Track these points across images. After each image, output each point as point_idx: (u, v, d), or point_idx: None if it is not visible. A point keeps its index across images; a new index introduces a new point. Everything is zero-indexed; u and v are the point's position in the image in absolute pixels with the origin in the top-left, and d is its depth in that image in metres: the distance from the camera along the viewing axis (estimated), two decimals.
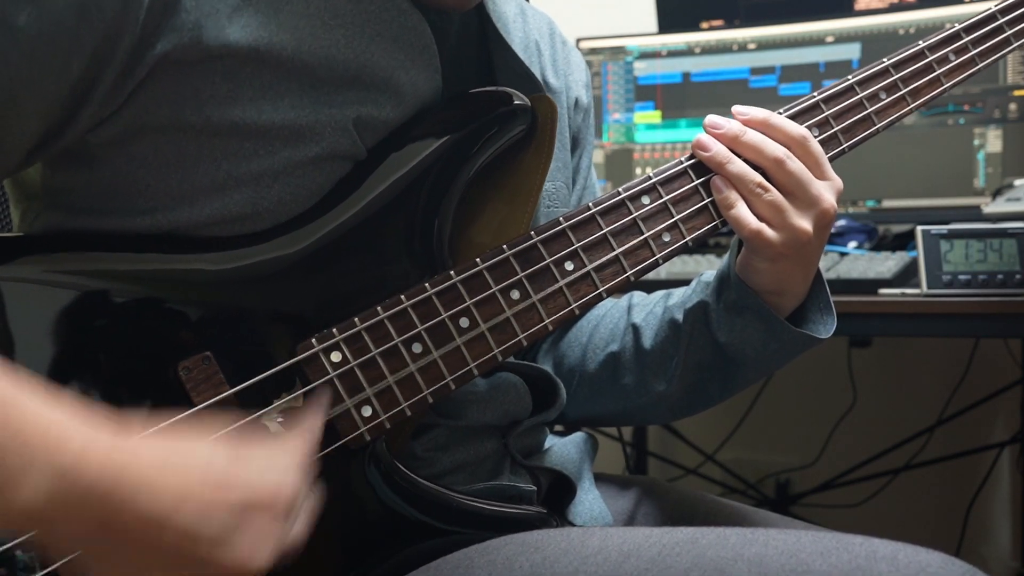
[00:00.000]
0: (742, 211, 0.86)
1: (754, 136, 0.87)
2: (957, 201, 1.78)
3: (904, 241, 1.76)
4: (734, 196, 0.86)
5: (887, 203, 1.85)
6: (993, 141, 1.75)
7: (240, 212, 0.77)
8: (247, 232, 0.77)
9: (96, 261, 0.75)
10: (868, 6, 1.92)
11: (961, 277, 1.37)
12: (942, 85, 0.95)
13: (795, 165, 0.86)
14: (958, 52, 0.96)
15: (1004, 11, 0.99)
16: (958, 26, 0.97)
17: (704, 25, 2.04)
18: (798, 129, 0.87)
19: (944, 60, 0.96)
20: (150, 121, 0.75)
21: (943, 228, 1.39)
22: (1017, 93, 1.74)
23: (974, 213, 1.64)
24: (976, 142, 1.76)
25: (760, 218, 0.86)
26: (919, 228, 1.40)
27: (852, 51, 1.85)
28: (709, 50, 1.97)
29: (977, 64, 0.97)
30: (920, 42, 0.96)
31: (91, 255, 0.75)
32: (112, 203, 0.77)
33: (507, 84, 0.93)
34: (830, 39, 1.87)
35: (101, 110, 0.74)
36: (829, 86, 0.92)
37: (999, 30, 0.98)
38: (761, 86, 1.92)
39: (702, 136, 0.88)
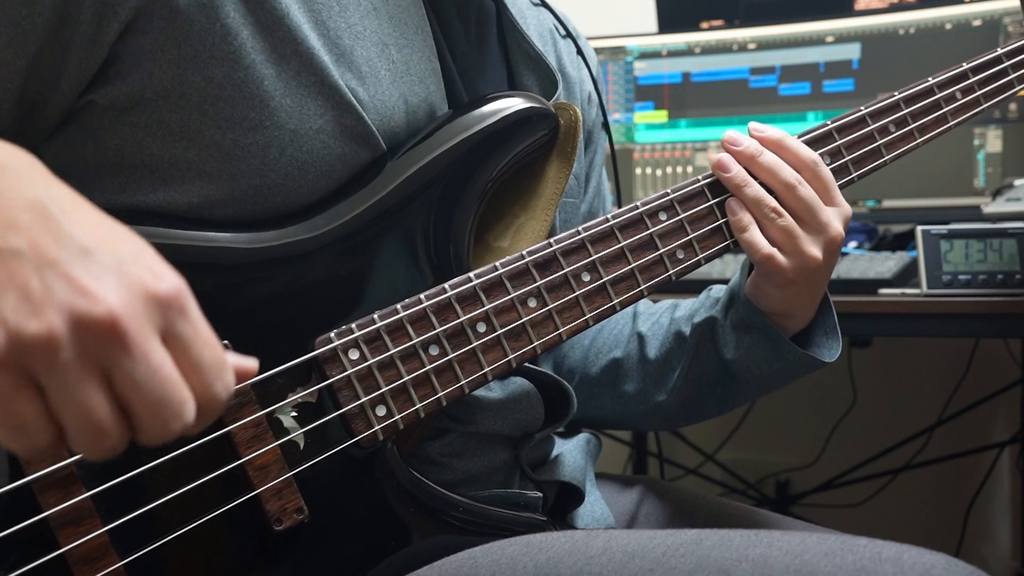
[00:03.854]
0: (755, 235, 0.87)
1: (770, 158, 0.88)
2: (957, 201, 1.78)
3: (904, 241, 1.76)
4: (748, 219, 0.87)
5: (887, 203, 1.85)
6: (993, 141, 1.75)
7: (248, 184, 0.77)
8: (259, 212, 0.77)
9: None
10: (868, 6, 1.92)
11: (961, 277, 1.37)
12: (948, 123, 0.98)
13: (806, 191, 0.88)
14: (965, 92, 0.99)
15: (1010, 55, 1.01)
16: (966, 65, 0.99)
17: (704, 25, 2.04)
18: (810, 154, 0.89)
19: (951, 98, 0.98)
20: (153, 84, 0.75)
21: (943, 228, 1.39)
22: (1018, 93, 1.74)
23: (974, 213, 1.64)
24: (976, 142, 1.77)
25: (772, 242, 0.87)
26: (919, 228, 1.40)
27: (852, 51, 1.85)
28: (709, 50, 1.97)
29: (982, 104, 1.00)
30: (930, 78, 0.98)
31: None
32: (121, 175, 0.77)
33: (522, 69, 0.95)
34: (830, 39, 1.87)
35: (88, 57, 0.75)
36: (842, 115, 0.94)
37: (1004, 72, 1.01)
38: (761, 86, 1.92)
39: (723, 156, 0.89)
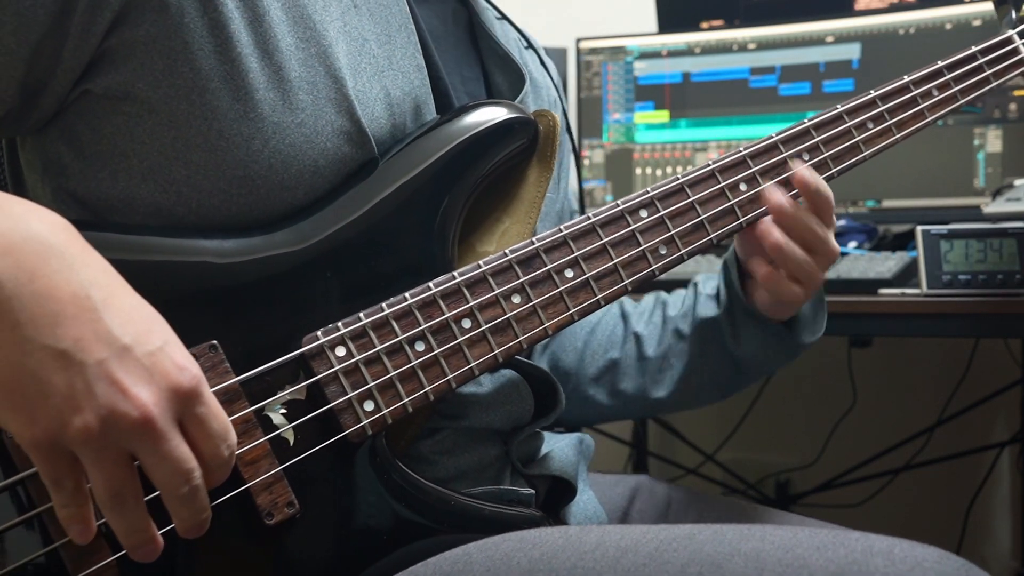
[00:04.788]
0: (786, 283, 0.92)
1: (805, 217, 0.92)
2: (957, 201, 1.78)
3: (904, 241, 1.76)
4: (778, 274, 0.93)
5: (887, 203, 1.85)
6: (993, 141, 1.75)
7: (233, 175, 0.78)
8: (245, 205, 0.79)
9: (110, 246, 0.74)
10: (868, 6, 1.92)
11: (961, 277, 1.37)
12: (926, 118, 1.00)
13: (825, 232, 0.93)
14: (941, 88, 1.01)
15: (984, 52, 1.03)
16: (941, 63, 1.01)
17: (704, 25, 2.04)
18: (828, 193, 0.93)
19: (928, 95, 1.00)
20: (145, 74, 0.77)
21: (943, 228, 1.39)
22: (1017, 93, 1.74)
23: (974, 213, 1.64)
24: (976, 142, 1.77)
25: (795, 281, 0.92)
26: (919, 228, 1.40)
27: (852, 51, 1.85)
28: (709, 50, 1.97)
29: (959, 100, 1.01)
30: (905, 76, 1.00)
31: (100, 236, 0.75)
32: (113, 163, 0.79)
33: (493, 68, 0.99)
34: (830, 39, 1.87)
35: (81, 47, 0.76)
36: (818, 114, 0.96)
37: (979, 69, 1.03)
38: (761, 86, 1.92)
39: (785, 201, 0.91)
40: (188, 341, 0.69)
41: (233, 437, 0.67)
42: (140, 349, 0.62)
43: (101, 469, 0.62)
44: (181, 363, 0.64)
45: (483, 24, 1.01)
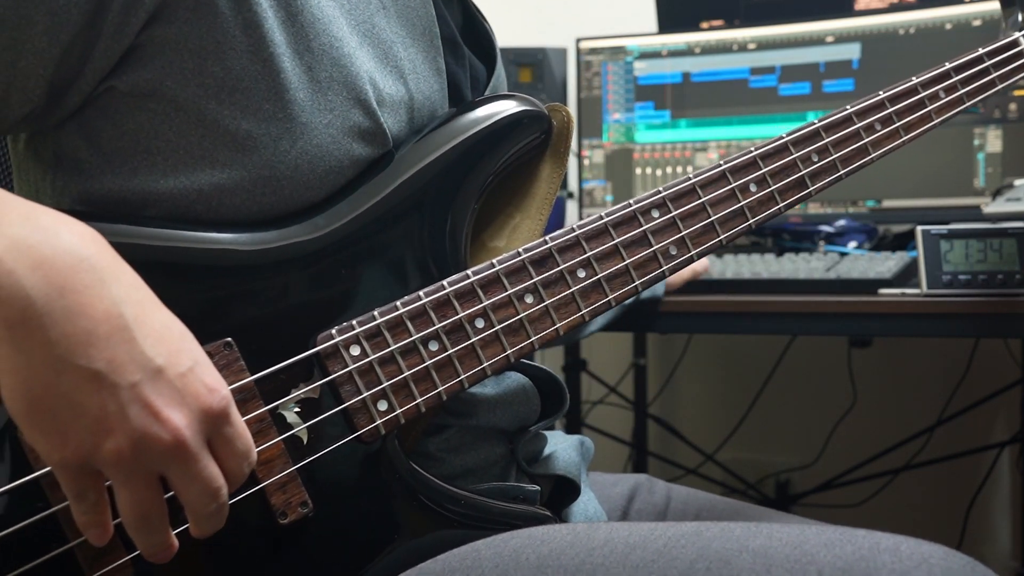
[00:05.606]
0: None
1: None
2: (957, 201, 1.79)
3: (904, 241, 1.77)
4: None
5: (887, 203, 1.86)
6: (993, 141, 1.76)
7: (258, 175, 0.78)
8: (266, 205, 0.79)
9: (121, 236, 0.74)
10: (868, 6, 1.93)
11: (961, 277, 1.37)
12: (932, 121, 1.00)
13: None
14: (948, 90, 1.01)
15: (991, 54, 1.04)
16: (949, 65, 1.02)
17: (704, 25, 2.05)
18: None
19: (935, 97, 1.01)
20: (174, 72, 0.76)
21: (943, 228, 1.39)
22: (1017, 93, 1.74)
23: (974, 213, 1.65)
24: (976, 142, 1.77)
25: None
26: (919, 228, 1.40)
27: (852, 51, 1.85)
28: (709, 50, 1.98)
29: (965, 103, 1.02)
30: (914, 77, 1.00)
31: (118, 228, 0.75)
32: (135, 160, 0.78)
33: (477, 62, 0.98)
34: (830, 39, 1.87)
35: (113, 46, 0.75)
36: (828, 115, 0.96)
37: (986, 72, 1.04)
38: (761, 86, 1.93)
39: None
40: (204, 338, 0.69)
41: (254, 455, 0.67)
42: (172, 371, 0.62)
43: (131, 491, 0.62)
44: (212, 384, 0.64)
45: (474, 15, 1.01)
